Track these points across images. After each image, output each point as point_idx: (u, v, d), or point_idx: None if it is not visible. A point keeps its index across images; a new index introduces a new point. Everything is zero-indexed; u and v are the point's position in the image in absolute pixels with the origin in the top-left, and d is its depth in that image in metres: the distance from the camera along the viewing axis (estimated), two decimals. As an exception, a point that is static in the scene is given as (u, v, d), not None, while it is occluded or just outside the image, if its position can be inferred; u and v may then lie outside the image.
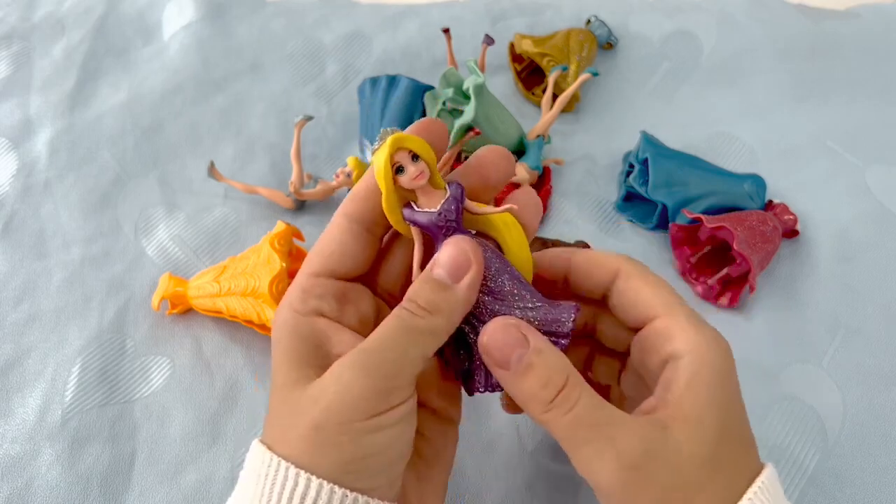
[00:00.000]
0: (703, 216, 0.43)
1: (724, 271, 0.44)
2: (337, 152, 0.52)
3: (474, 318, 0.28)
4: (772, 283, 0.45)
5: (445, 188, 0.28)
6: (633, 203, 0.49)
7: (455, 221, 0.28)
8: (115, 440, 0.39)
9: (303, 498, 0.24)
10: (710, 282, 0.44)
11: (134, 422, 0.39)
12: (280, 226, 0.42)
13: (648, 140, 0.48)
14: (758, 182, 0.47)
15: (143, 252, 0.46)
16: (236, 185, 0.48)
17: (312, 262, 0.28)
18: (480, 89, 0.44)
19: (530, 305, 0.29)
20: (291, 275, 0.43)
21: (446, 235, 0.28)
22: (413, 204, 0.28)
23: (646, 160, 0.47)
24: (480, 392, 0.29)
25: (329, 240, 0.28)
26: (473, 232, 0.29)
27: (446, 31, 0.50)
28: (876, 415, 0.40)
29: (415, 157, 0.28)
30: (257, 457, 0.26)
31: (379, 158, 0.27)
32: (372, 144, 0.49)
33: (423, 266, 0.28)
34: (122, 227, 0.47)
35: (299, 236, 0.43)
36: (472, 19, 0.59)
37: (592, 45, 0.55)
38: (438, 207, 0.28)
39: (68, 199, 0.49)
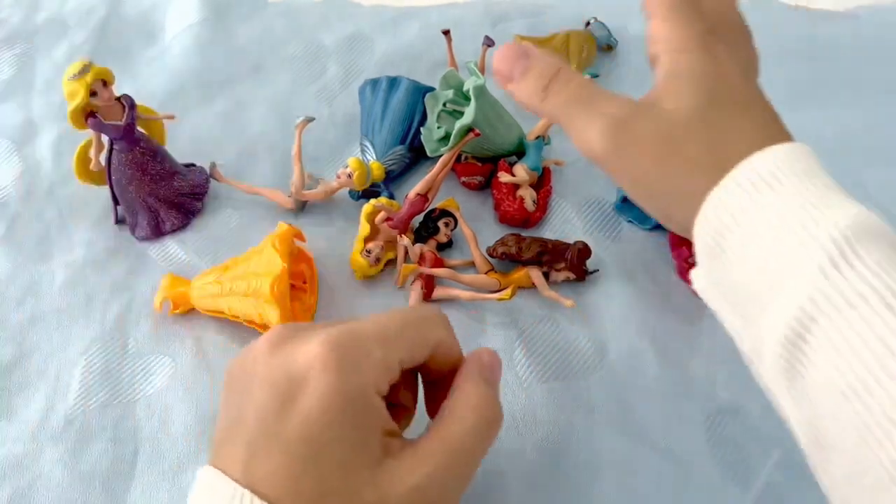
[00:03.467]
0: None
1: (723, 272, 0.44)
2: (338, 153, 0.52)
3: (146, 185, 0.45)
4: None
5: (122, 103, 0.42)
6: (632, 204, 0.49)
7: (134, 127, 0.43)
8: (118, 440, 0.39)
9: None
10: (709, 282, 0.45)
11: (136, 421, 0.39)
12: (281, 226, 0.42)
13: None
14: (757, 183, 0.47)
15: (145, 253, 0.46)
16: (238, 185, 0.48)
17: (406, 350, 0.29)
18: (481, 91, 0.44)
19: (181, 175, 0.47)
20: (293, 275, 0.43)
21: (128, 135, 0.43)
22: (98, 116, 0.42)
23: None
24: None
25: (425, 338, 0.30)
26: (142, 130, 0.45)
27: (446, 32, 0.50)
28: (874, 415, 0.40)
29: (105, 83, 0.41)
30: None
31: (79, 86, 0.40)
32: (373, 146, 0.49)
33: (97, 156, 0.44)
34: (124, 229, 0.47)
35: (300, 237, 0.44)
36: (473, 21, 0.59)
37: (592, 46, 0.55)
38: (124, 119, 0.42)
39: (71, 201, 0.49)
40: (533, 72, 0.31)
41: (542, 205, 0.47)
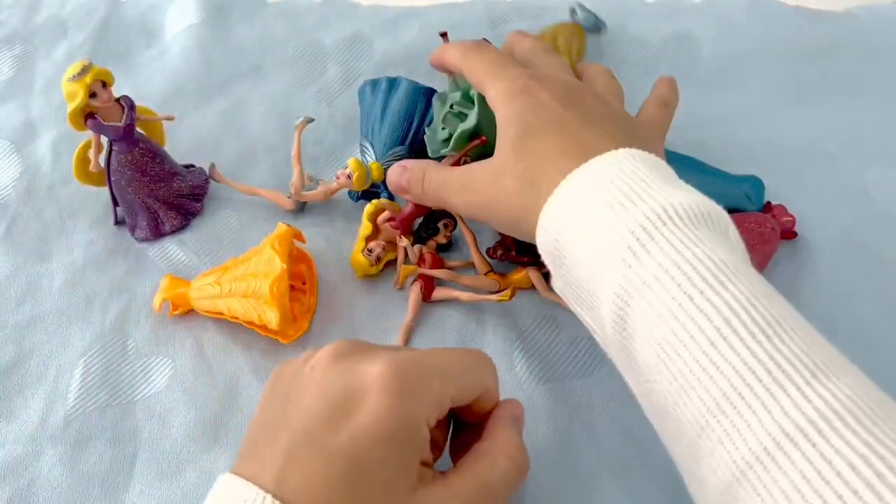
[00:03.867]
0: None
1: (723, 272, 0.44)
2: (338, 154, 0.52)
3: (146, 181, 0.45)
4: (771, 284, 0.45)
5: (122, 104, 0.42)
6: None
7: (133, 128, 0.43)
8: (117, 440, 0.39)
9: None
10: (708, 283, 0.45)
11: (135, 422, 0.39)
12: (281, 227, 0.42)
13: (647, 142, 0.49)
14: (756, 184, 0.47)
15: (145, 254, 0.46)
16: (237, 186, 0.48)
17: (460, 392, 0.30)
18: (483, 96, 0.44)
19: (181, 176, 0.47)
20: (292, 276, 0.43)
21: (127, 136, 0.43)
22: (97, 117, 0.42)
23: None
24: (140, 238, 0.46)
25: (477, 382, 0.31)
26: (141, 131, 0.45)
27: (444, 35, 0.50)
28: (874, 416, 0.40)
29: (104, 84, 0.41)
30: None
31: (79, 87, 0.40)
32: (373, 147, 0.49)
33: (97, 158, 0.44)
34: (123, 230, 0.47)
35: (300, 238, 0.44)
36: (472, 22, 0.59)
37: (581, 38, 0.55)
38: (123, 120, 0.42)
39: (71, 202, 0.49)
40: (412, 182, 0.40)
41: None
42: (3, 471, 0.38)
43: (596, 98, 0.37)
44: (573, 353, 0.42)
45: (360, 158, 0.48)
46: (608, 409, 0.40)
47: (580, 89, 0.37)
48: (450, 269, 0.44)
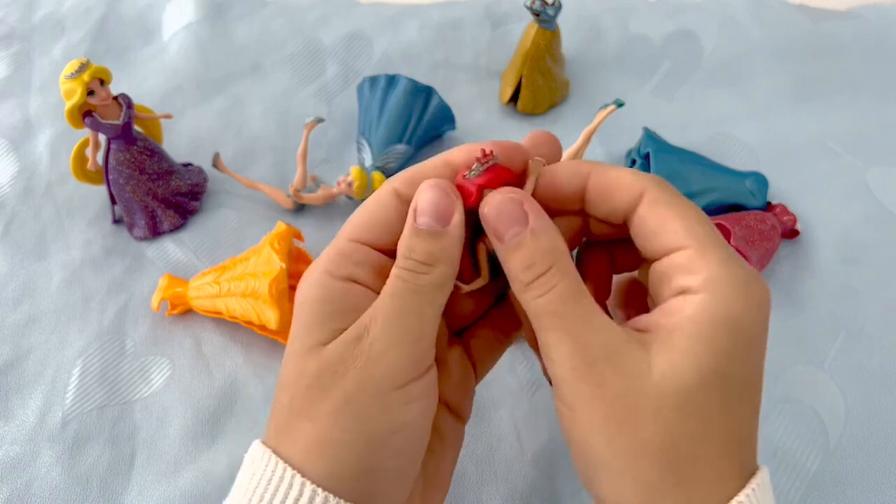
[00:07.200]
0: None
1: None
2: (336, 154, 0.52)
3: (146, 178, 0.45)
4: (772, 283, 0.45)
5: (120, 102, 0.43)
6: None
7: (131, 126, 0.43)
8: (115, 441, 0.38)
9: None
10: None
11: (134, 422, 0.39)
12: (280, 227, 0.42)
13: (650, 135, 0.48)
14: (759, 180, 0.47)
15: (143, 253, 0.46)
16: (239, 178, 0.48)
17: (354, 229, 0.28)
18: None
19: (179, 174, 0.47)
20: (291, 275, 0.43)
21: (125, 134, 0.43)
22: (95, 115, 0.42)
23: (647, 155, 0.47)
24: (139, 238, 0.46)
25: (375, 211, 0.27)
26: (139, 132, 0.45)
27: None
28: (878, 417, 0.40)
29: (102, 82, 0.41)
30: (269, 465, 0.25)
31: (77, 85, 0.40)
32: (370, 144, 0.49)
33: (93, 156, 0.43)
34: (122, 228, 0.47)
35: (299, 237, 0.43)
36: (473, 21, 0.59)
37: (549, 42, 0.51)
38: (121, 118, 0.42)
39: (69, 200, 0.49)
40: (522, 252, 0.25)
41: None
42: (1, 471, 0.37)
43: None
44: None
45: (357, 157, 0.48)
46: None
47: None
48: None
